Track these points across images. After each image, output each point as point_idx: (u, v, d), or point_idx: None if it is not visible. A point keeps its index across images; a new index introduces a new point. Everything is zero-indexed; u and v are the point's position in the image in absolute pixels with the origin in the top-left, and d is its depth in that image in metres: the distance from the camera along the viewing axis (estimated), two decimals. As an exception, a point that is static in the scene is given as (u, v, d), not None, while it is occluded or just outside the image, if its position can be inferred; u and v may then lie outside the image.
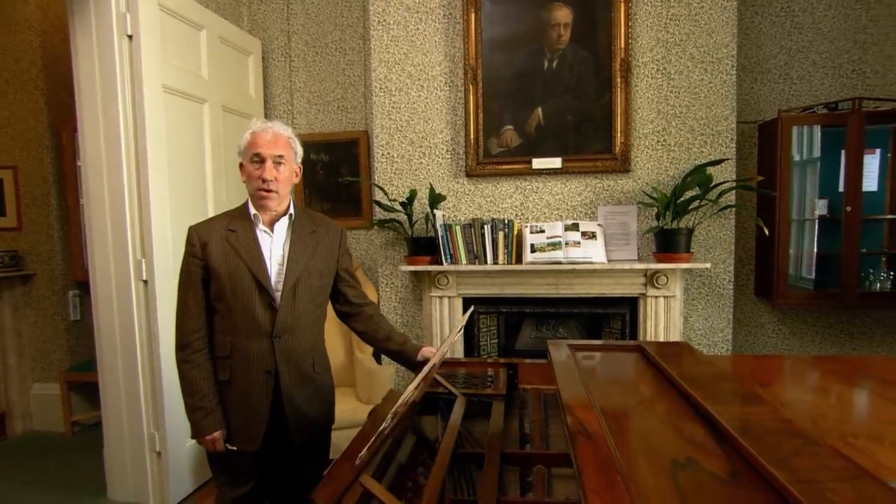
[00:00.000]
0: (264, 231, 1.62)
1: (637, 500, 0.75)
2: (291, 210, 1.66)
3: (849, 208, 2.76)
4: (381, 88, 3.05)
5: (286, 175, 1.60)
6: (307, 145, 3.46)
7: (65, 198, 3.57)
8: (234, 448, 1.60)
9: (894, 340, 3.05)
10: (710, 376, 1.30)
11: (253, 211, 1.61)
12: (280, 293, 1.59)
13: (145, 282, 2.48)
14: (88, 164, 2.49)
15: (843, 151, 2.92)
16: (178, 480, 2.59)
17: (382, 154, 3.08)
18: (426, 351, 1.76)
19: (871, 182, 2.92)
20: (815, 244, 2.95)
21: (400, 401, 0.97)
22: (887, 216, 2.92)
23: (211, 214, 2.82)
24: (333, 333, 2.95)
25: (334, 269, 1.73)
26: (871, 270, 2.90)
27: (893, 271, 2.90)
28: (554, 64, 2.87)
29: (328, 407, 1.78)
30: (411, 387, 1.05)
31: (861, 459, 0.89)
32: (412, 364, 1.79)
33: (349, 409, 2.78)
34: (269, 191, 1.57)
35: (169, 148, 2.55)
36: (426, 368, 1.09)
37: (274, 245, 1.62)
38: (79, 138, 2.53)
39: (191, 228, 1.61)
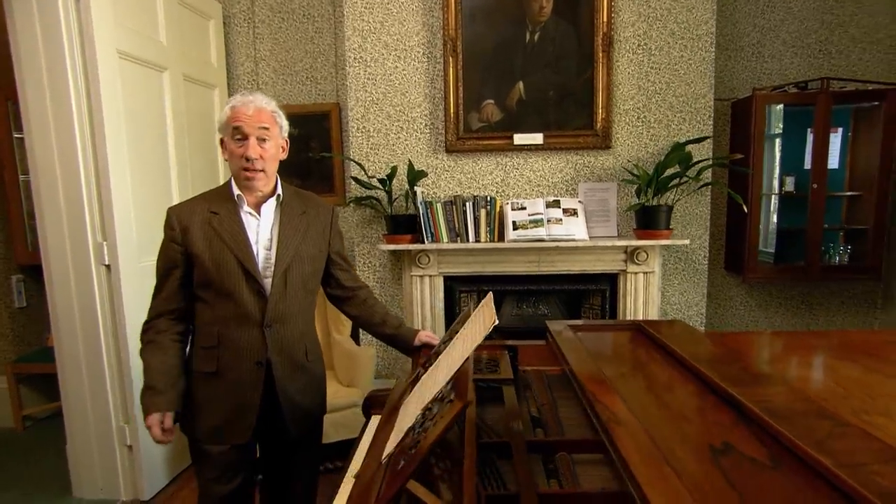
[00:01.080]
0: (250, 213, 1.50)
1: (693, 490, 0.74)
2: (280, 190, 1.53)
3: (815, 185, 2.87)
4: (355, 59, 2.89)
5: (272, 152, 1.48)
6: (275, 118, 3.28)
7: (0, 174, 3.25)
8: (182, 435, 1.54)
9: (848, 310, 3.25)
10: (718, 356, 1.32)
11: (237, 191, 1.48)
12: (270, 280, 1.48)
13: (108, 266, 2.29)
14: (34, 137, 2.24)
15: (808, 130, 3.02)
16: (152, 474, 2.47)
17: (358, 128, 2.95)
18: (424, 336, 1.72)
19: (833, 160, 3.05)
20: (778, 219, 3.08)
21: (428, 396, 0.92)
22: (847, 193, 3.07)
23: (175, 193, 2.65)
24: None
25: (326, 253, 1.64)
26: (831, 245, 3.06)
27: (850, 245, 3.06)
28: (536, 37, 2.80)
29: (321, 396, 1.71)
30: (438, 381, 1.00)
31: (881, 437, 0.92)
32: (409, 349, 1.74)
33: (330, 393, 2.69)
34: (254, 170, 1.44)
35: (127, 120, 2.34)
36: (455, 365, 1.01)
37: (261, 229, 1.50)
38: (21, 109, 2.28)
39: (169, 211, 1.48)
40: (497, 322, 0.91)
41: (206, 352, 1.49)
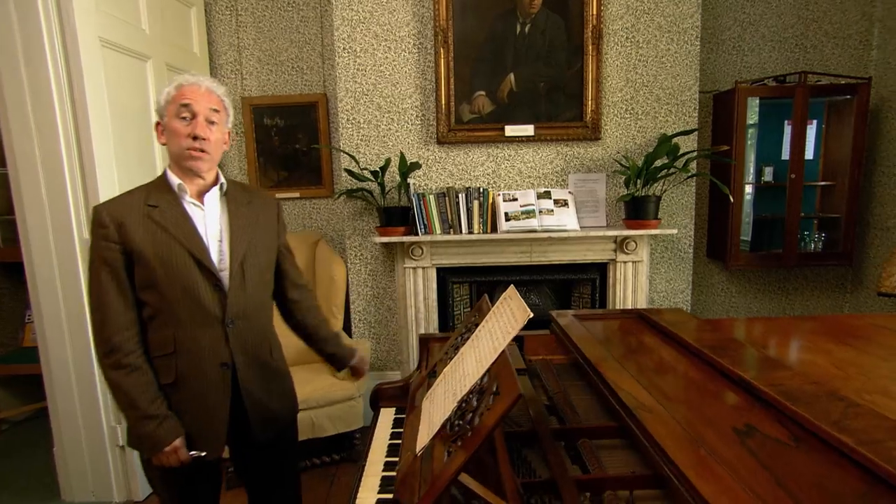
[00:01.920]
0: (193, 204, 1.37)
1: (729, 471, 0.78)
2: (222, 179, 1.43)
3: (793, 175, 2.99)
4: (344, 49, 2.85)
5: (218, 136, 1.37)
6: (259, 109, 3.22)
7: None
8: (203, 454, 1.35)
9: (821, 295, 3.41)
10: (723, 342, 1.38)
11: (176, 181, 1.35)
12: (227, 272, 1.37)
13: (95, 263, 2.22)
14: (13, 130, 2.14)
15: (786, 122, 3.14)
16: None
17: (348, 119, 2.92)
18: (361, 360, 1.76)
19: (808, 151, 3.17)
20: (753, 208, 3.20)
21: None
22: (821, 183, 3.20)
23: (162, 186, 2.57)
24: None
25: (276, 246, 1.54)
26: (806, 233, 3.19)
27: (824, 233, 3.20)
28: (526, 29, 2.82)
29: (290, 398, 1.61)
30: (468, 373, 1.01)
31: (889, 416, 0.98)
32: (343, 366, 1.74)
33: (326, 386, 2.69)
34: (201, 150, 1.32)
35: (112, 112, 2.26)
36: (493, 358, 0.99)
37: (208, 219, 1.38)
38: (-4, 99, 2.17)
39: (96, 208, 1.30)
40: (531, 315, 0.93)
41: (161, 361, 1.33)
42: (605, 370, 1.22)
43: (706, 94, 3.19)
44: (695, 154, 2.77)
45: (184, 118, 1.31)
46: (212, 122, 1.34)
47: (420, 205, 2.80)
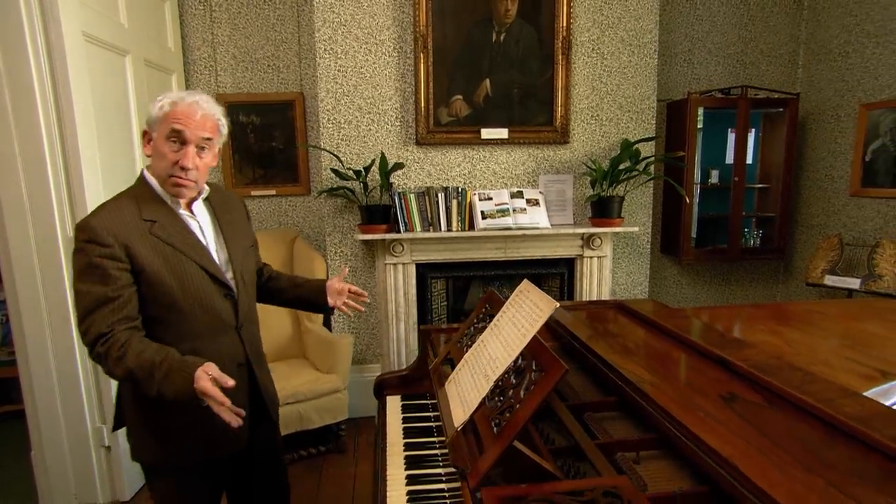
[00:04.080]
0: (186, 215, 1.35)
1: (725, 427, 0.97)
2: (205, 186, 1.41)
3: (736, 178, 3.33)
4: (325, 50, 2.91)
5: (207, 162, 1.33)
6: (235, 106, 3.22)
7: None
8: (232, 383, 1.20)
9: (757, 285, 3.81)
10: (696, 327, 1.60)
11: (166, 195, 1.32)
12: (233, 280, 1.40)
13: (81, 262, 2.18)
14: (-11, 124, 2.08)
15: (729, 129, 3.48)
16: (131, 473, 2.41)
17: (328, 119, 2.97)
18: (335, 281, 1.62)
19: (747, 157, 3.53)
20: (699, 208, 3.53)
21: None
22: (758, 185, 3.58)
23: (143, 184, 2.55)
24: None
25: (253, 243, 1.58)
26: (746, 230, 3.56)
27: (761, 230, 3.58)
28: (502, 37, 2.98)
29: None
30: (496, 358, 1.16)
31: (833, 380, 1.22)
32: (319, 304, 1.63)
33: (311, 380, 2.76)
34: (186, 180, 1.29)
35: (95, 107, 2.22)
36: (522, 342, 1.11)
37: (205, 230, 1.39)
38: (-32, 92, 2.09)
39: (92, 223, 1.20)
40: (558, 305, 1.08)
41: None
42: (602, 352, 1.40)
43: (660, 101, 3.48)
44: (657, 158, 3.04)
45: (173, 141, 1.26)
46: (202, 148, 1.30)
47: (401, 203, 2.91)
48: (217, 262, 1.37)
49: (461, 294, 3.37)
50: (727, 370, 1.27)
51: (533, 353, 1.05)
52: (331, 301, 1.59)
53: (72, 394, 2.27)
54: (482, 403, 1.09)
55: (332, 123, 2.98)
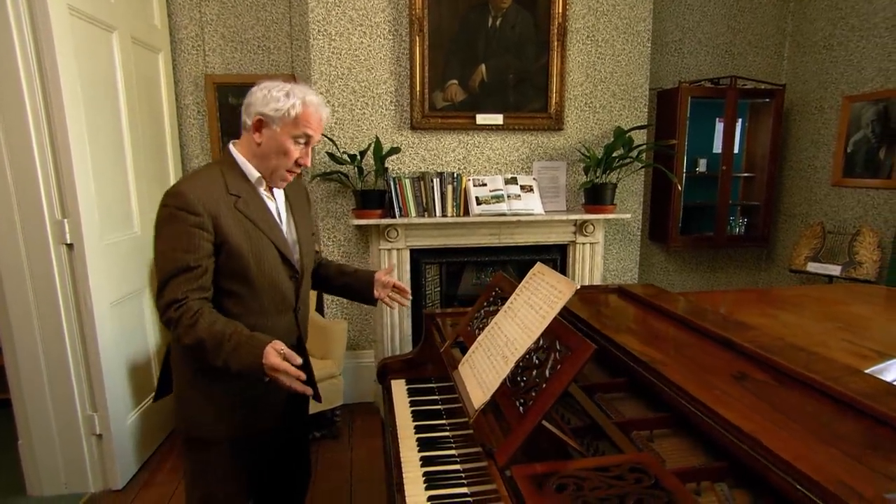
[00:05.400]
0: (266, 195, 1.42)
1: (741, 403, 1.01)
2: None
3: (724, 167, 3.40)
4: (319, 32, 2.85)
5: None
6: (224, 88, 3.14)
7: None
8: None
9: (741, 271, 3.91)
10: (698, 311, 1.64)
11: (255, 173, 1.38)
12: (299, 263, 1.47)
13: (70, 245, 2.12)
14: (-30, 101, 1.98)
15: (716, 119, 3.54)
16: (124, 461, 2.37)
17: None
18: (382, 275, 1.67)
19: (734, 146, 3.60)
20: (684, 196, 3.59)
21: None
22: (744, 174, 3.66)
23: (129, 167, 2.49)
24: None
25: (314, 229, 1.69)
26: (732, 218, 3.64)
27: (746, 218, 3.67)
28: (498, 22, 2.96)
29: None
30: (512, 340, 1.17)
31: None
32: (370, 295, 1.67)
33: (305, 367, 2.74)
34: (296, 174, 1.42)
35: (82, 85, 2.14)
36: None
37: (281, 211, 1.46)
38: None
39: (185, 190, 1.26)
40: (579, 286, 1.10)
41: None
42: (611, 334, 1.43)
43: (651, 90, 3.52)
44: (648, 146, 3.08)
45: (299, 143, 1.34)
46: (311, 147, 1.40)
47: (396, 188, 2.89)
48: (291, 245, 1.44)
49: (454, 280, 3.37)
50: (733, 351, 1.31)
51: (555, 334, 1.06)
52: (376, 293, 1.65)
53: (61, 381, 2.21)
54: (503, 384, 1.10)
55: (326, 107, 2.93)
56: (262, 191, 1.41)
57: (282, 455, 1.63)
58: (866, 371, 1.20)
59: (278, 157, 1.34)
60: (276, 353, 1.20)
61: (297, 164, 1.37)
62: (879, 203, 3.07)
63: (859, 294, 2.21)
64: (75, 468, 2.30)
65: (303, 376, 1.23)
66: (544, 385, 0.97)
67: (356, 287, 1.68)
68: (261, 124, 1.34)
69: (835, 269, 3.02)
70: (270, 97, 1.31)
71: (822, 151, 3.42)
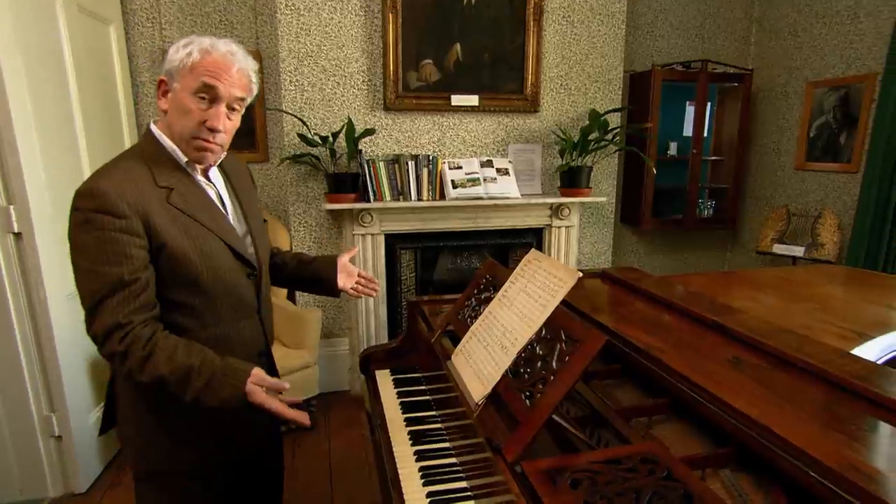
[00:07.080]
0: (203, 182, 1.18)
1: (740, 386, 1.01)
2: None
3: (694, 150, 3.45)
4: (287, 6, 2.69)
5: (235, 124, 1.15)
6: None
7: None
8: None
9: (708, 253, 4.02)
10: (687, 295, 1.64)
11: (182, 157, 1.13)
12: (255, 258, 1.25)
13: (18, 234, 1.95)
14: None
15: (687, 102, 3.58)
16: (86, 463, 2.23)
17: (290, 81, 2.78)
18: (345, 258, 1.49)
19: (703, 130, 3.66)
20: (655, 179, 3.64)
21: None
22: (712, 157, 3.73)
23: (83, 149, 2.31)
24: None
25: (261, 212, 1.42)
26: (700, 201, 3.72)
27: (713, 200, 3.75)
28: (473, 0, 2.87)
29: None
30: (511, 329, 1.13)
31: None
32: (334, 286, 1.47)
33: (279, 357, 2.62)
34: (213, 143, 1.10)
35: (24, 59, 1.95)
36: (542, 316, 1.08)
37: (224, 198, 1.23)
38: None
39: (103, 189, 1.00)
40: (581, 275, 1.06)
41: None
42: (604, 320, 1.41)
43: (624, 73, 3.52)
44: (624, 129, 3.08)
45: (202, 98, 1.06)
46: (233, 110, 1.11)
47: (370, 171, 2.80)
48: (238, 235, 1.21)
49: (429, 265, 3.32)
50: (724, 335, 1.32)
51: (559, 323, 1.03)
52: (340, 283, 1.45)
53: (13, 381, 2.05)
54: (504, 376, 1.07)
55: (295, 86, 2.79)
56: (199, 177, 1.17)
57: (256, 474, 1.43)
58: (851, 352, 1.23)
59: (182, 121, 1.08)
60: (261, 390, 1.01)
61: (207, 128, 1.08)
62: (839, 186, 3.19)
63: (823, 275, 2.29)
64: (32, 473, 2.15)
65: (290, 412, 1.03)
66: (553, 377, 0.94)
67: (317, 276, 1.46)
68: (161, 85, 1.10)
69: (798, 251, 3.14)
70: (171, 52, 1.08)
71: (787, 136, 3.52)
